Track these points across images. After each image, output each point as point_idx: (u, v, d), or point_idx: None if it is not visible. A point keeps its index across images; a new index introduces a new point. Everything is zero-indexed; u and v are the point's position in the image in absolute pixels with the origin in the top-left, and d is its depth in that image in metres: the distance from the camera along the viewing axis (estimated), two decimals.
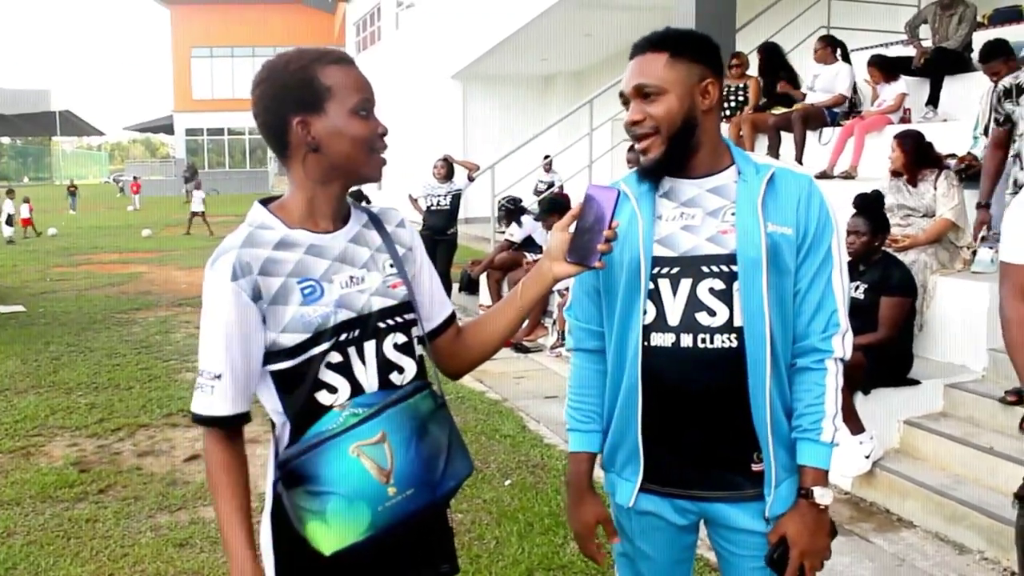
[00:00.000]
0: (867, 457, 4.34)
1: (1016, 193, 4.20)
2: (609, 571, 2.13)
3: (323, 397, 1.60)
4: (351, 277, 1.64)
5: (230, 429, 1.61)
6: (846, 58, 8.39)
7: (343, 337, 1.61)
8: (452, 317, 1.85)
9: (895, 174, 5.64)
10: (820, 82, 8.24)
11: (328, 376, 1.60)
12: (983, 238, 4.81)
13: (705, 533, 1.97)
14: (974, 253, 5.09)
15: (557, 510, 4.12)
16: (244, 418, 1.62)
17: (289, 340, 1.58)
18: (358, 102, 1.61)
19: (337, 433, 1.55)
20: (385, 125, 1.67)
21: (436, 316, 1.81)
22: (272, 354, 1.59)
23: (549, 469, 4.78)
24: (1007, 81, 4.46)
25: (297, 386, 1.60)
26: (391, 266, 1.71)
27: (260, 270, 1.56)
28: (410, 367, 1.69)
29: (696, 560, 2.91)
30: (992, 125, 4.72)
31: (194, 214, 22.44)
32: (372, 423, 1.56)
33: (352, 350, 1.62)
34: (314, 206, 1.65)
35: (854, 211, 4.76)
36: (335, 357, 1.60)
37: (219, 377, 1.57)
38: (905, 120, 7.59)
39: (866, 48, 9.10)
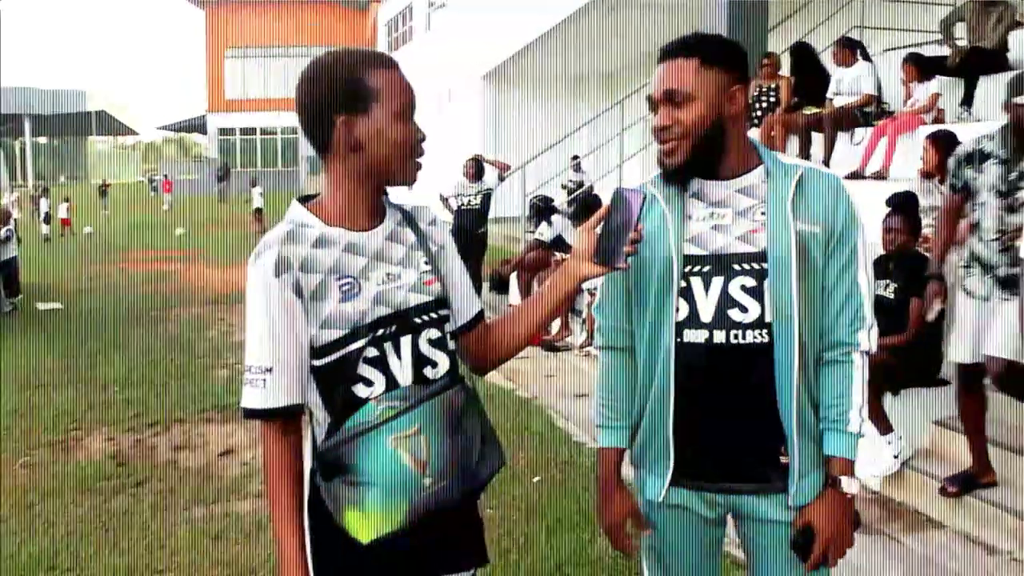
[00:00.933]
0: (895, 457, 4.33)
1: (968, 267, 3.87)
2: (639, 566, 2.16)
3: (359, 390, 1.64)
4: (388, 274, 1.68)
5: (286, 421, 1.64)
6: (866, 57, 8.27)
7: (380, 332, 1.64)
8: (480, 314, 1.89)
9: (927, 176, 5.60)
10: (844, 86, 8.13)
11: (365, 370, 1.64)
12: (941, 312, 4.09)
13: (733, 531, 2.00)
14: None
15: (586, 507, 4.15)
16: (299, 409, 1.65)
17: (328, 336, 1.62)
18: (401, 106, 1.65)
19: (375, 425, 1.59)
20: (424, 131, 1.70)
21: (465, 312, 1.85)
22: (312, 349, 1.63)
23: (578, 466, 4.80)
24: (968, 146, 3.95)
25: (335, 380, 1.64)
26: (426, 263, 1.75)
27: (300, 266, 1.60)
28: (443, 362, 1.73)
29: (724, 557, 2.93)
30: (947, 190, 4.07)
31: (258, 210, 22.63)
32: (408, 416, 1.60)
33: (388, 345, 1.66)
34: (351, 204, 1.69)
35: (890, 209, 4.75)
36: (371, 352, 1.64)
37: (270, 371, 1.60)
38: (939, 120, 7.52)
39: (899, 48, 9.01)
